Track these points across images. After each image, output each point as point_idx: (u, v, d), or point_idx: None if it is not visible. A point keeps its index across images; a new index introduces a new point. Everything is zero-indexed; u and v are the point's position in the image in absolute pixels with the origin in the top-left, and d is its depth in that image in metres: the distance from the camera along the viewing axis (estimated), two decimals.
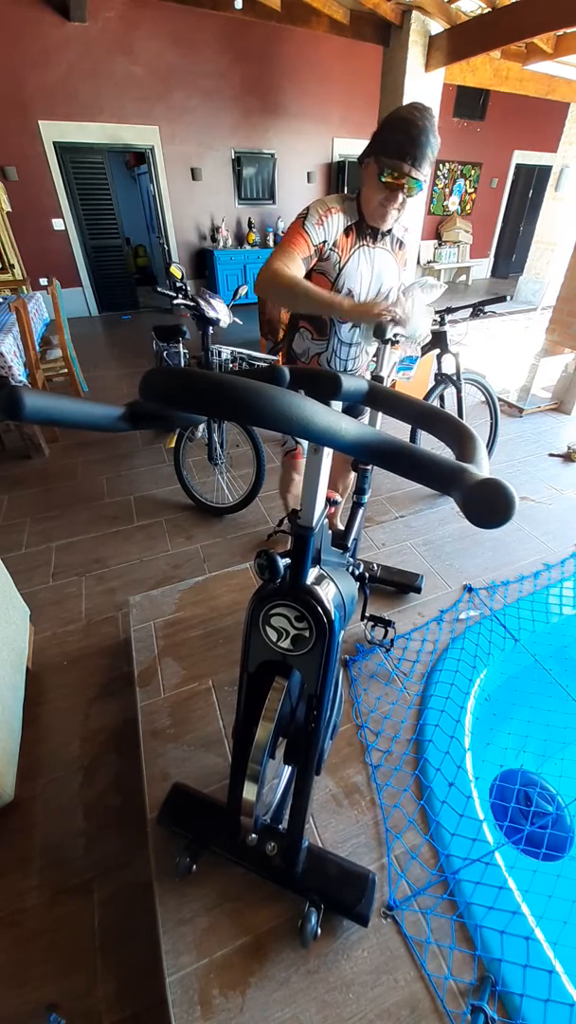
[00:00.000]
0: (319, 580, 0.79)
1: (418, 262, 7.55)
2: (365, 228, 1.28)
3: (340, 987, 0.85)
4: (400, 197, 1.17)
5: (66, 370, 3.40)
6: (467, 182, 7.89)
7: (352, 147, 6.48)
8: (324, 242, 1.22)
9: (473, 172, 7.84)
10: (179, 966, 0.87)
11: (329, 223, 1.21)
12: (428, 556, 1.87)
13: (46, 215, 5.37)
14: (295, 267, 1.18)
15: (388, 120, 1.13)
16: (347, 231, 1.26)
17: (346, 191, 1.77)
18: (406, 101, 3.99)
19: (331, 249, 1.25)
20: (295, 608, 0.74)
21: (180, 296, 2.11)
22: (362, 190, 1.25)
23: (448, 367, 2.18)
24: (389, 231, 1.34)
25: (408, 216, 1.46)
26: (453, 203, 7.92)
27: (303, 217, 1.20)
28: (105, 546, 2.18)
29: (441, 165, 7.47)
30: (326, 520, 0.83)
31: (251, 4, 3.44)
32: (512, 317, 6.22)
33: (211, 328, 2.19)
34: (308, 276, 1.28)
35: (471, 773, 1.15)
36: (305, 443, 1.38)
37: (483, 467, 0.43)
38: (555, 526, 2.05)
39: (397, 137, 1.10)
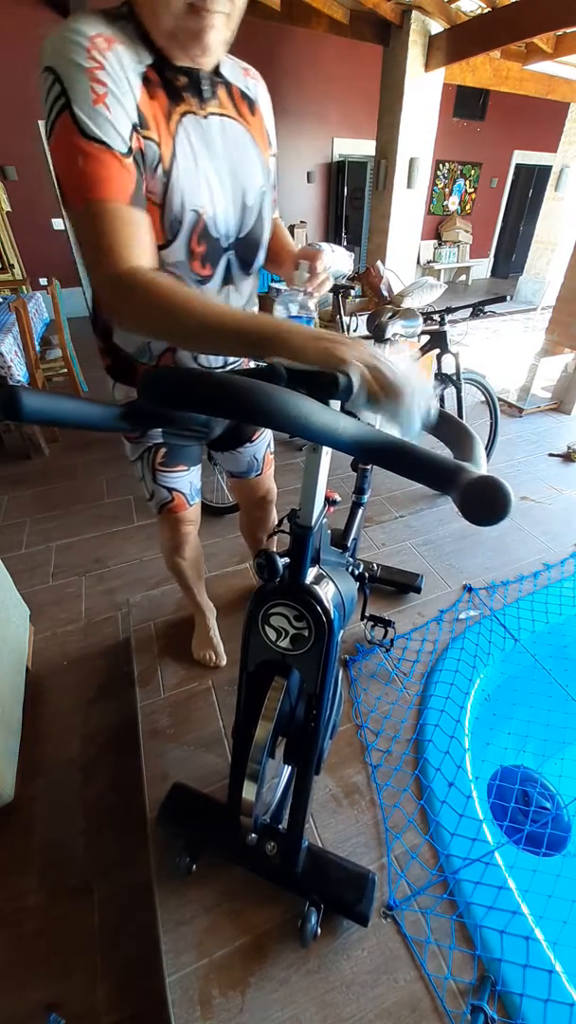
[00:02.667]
0: (318, 580, 0.79)
1: (418, 262, 7.55)
2: (173, 75, 0.64)
3: (340, 987, 0.85)
4: None
5: (66, 370, 3.40)
6: (467, 182, 7.89)
7: (352, 147, 6.47)
8: (135, 126, 0.59)
9: (473, 172, 7.84)
10: (179, 966, 0.87)
11: (112, 68, 0.56)
12: (428, 556, 1.87)
13: (46, 215, 5.37)
14: (142, 265, 0.60)
15: None
16: (147, 84, 0.61)
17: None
18: (406, 101, 4.02)
19: (142, 137, 0.61)
20: (294, 607, 0.74)
21: None
22: None
23: (448, 367, 2.18)
24: (218, 72, 0.71)
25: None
26: (453, 203, 7.92)
27: (64, 105, 0.54)
28: (105, 546, 2.18)
29: (441, 165, 7.47)
30: (325, 520, 0.83)
31: (251, 4, 3.44)
32: (512, 317, 6.22)
33: None
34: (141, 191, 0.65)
35: (471, 773, 1.15)
36: (187, 488, 1.10)
37: (481, 466, 0.43)
38: (555, 526, 2.05)
39: None
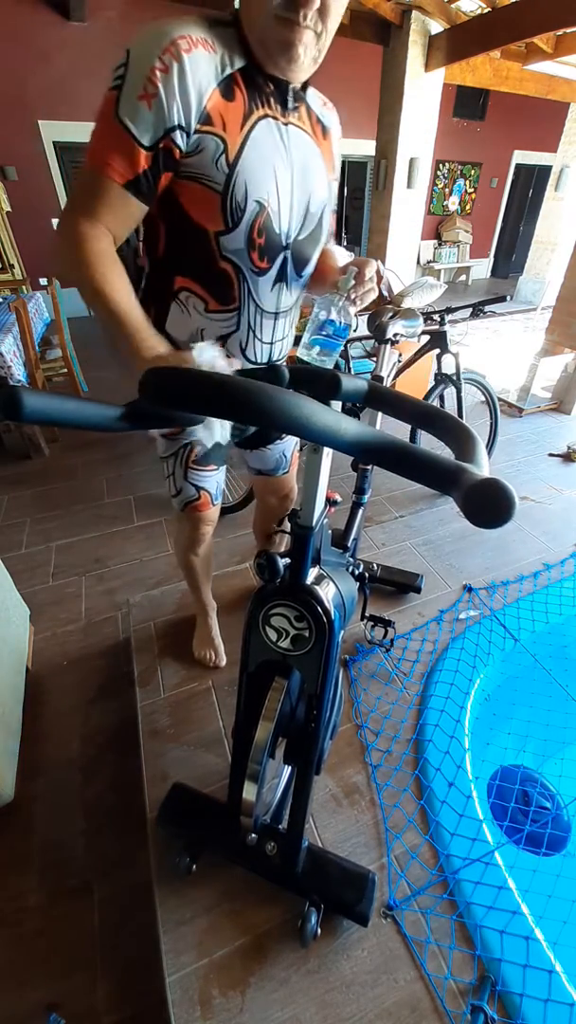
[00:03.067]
0: (319, 580, 0.79)
1: (418, 262, 7.55)
2: (263, 81, 0.69)
3: (340, 987, 0.85)
4: None
5: (66, 370, 3.40)
6: (467, 182, 7.89)
7: (352, 147, 6.47)
8: (176, 128, 0.63)
9: (473, 172, 7.84)
10: (179, 966, 0.87)
11: (184, 79, 0.60)
12: (428, 556, 1.87)
13: (46, 215, 5.36)
14: (102, 228, 0.66)
15: None
16: (227, 86, 0.65)
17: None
18: (406, 101, 4.01)
19: (198, 132, 0.65)
20: (295, 608, 0.74)
21: None
22: (243, 3, 0.66)
23: (448, 367, 2.18)
24: (305, 89, 0.76)
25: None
26: (453, 203, 7.92)
27: (118, 87, 0.60)
28: (105, 546, 2.18)
29: (441, 165, 7.47)
30: (326, 520, 0.83)
31: None
32: (512, 317, 6.22)
33: None
34: (171, 199, 0.71)
35: (471, 773, 1.15)
36: (214, 487, 1.11)
37: (483, 467, 0.43)
38: (555, 526, 2.05)
39: None
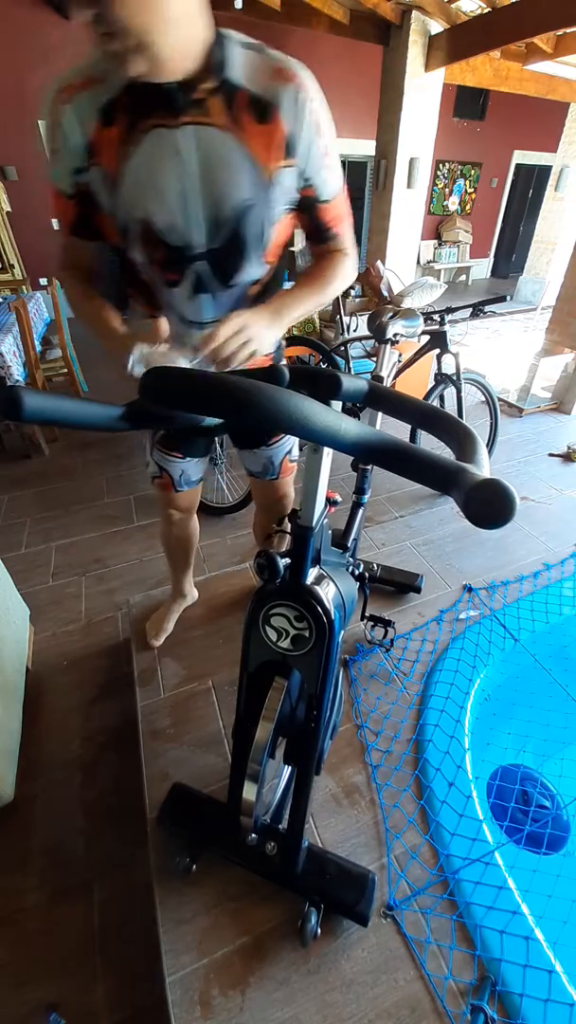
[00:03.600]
0: (319, 580, 0.79)
1: (418, 262, 7.55)
2: (148, 90, 0.65)
3: (340, 987, 0.85)
4: None
5: (66, 370, 3.40)
6: (467, 182, 7.89)
7: (352, 147, 6.47)
8: (77, 170, 0.70)
9: (473, 172, 7.84)
10: (179, 966, 0.87)
11: (67, 126, 0.67)
12: (428, 556, 1.87)
13: (46, 215, 5.35)
14: (73, 272, 0.83)
15: None
16: (108, 113, 0.67)
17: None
18: (406, 101, 4.01)
19: (89, 167, 0.70)
20: (295, 608, 0.74)
21: None
22: None
23: (448, 367, 2.18)
24: (221, 78, 0.67)
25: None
26: (453, 203, 7.92)
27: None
28: (105, 546, 2.18)
29: (441, 165, 7.47)
30: (326, 520, 0.83)
31: (251, 4, 3.44)
32: (512, 317, 6.22)
33: None
34: (86, 222, 0.77)
35: (471, 773, 1.15)
36: (176, 474, 1.15)
37: (483, 467, 0.43)
38: (555, 526, 2.05)
39: None
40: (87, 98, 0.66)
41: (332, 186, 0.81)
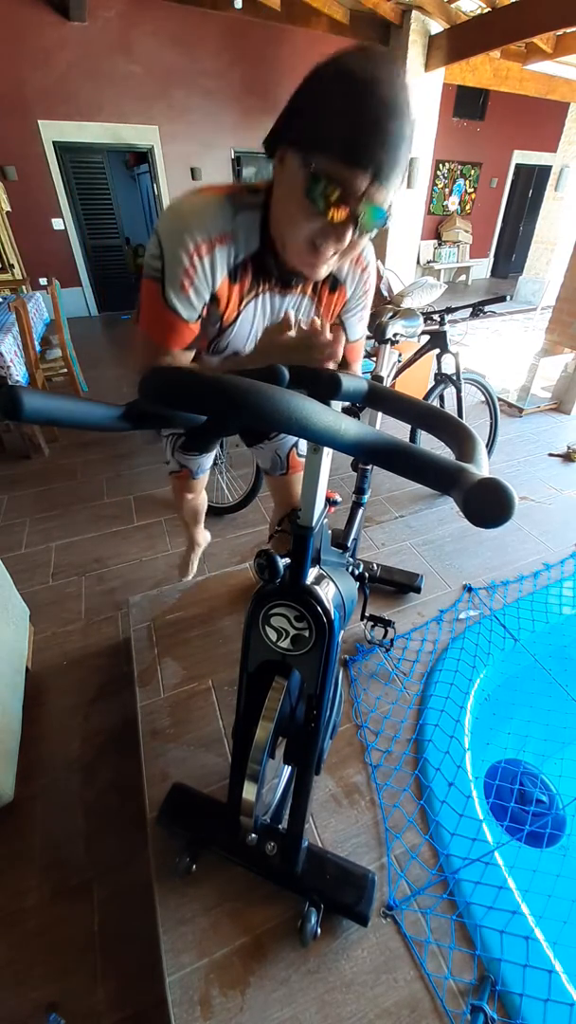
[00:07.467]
0: (319, 580, 0.79)
1: (418, 262, 7.55)
2: (272, 266, 0.75)
3: (340, 987, 0.85)
4: (347, 236, 0.62)
5: (66, 370, 3.40)
6: (467, 182, 7.90)
7: None
8: (204, 305, 0.76)
9: (473, 172, 7.85)
10: (179, 966, 0.87)
11: (203, 272, 0.71)
12: (428, 556, 1.87)
13: (46, 215, 5.37)
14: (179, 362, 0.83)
15: (325, 75, 0.54)
16: (236, 273, 0.75)
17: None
18: None
19: (209, 305, 0.78)
20: (295, 608, 0.74)
21: None
22: (275, 203, 0.68)
23: (448, 367, 2.18)
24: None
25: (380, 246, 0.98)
26: (453, 203, 7.93)
27: (159, 279, 0.70)
28: (105, 546, 2.18)
29: (441, 165, 7.47)
30: (326, 520, 0.83)
31: (251, 4, 3.44)
32: (512, 317, 6.22)
33: None
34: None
35: (471, 773, 1.15)
36: (195, 467, 1.32)
37: (483, 467, 0.43)
38: (555, 526, 2.05)
39: (345, 116, 0.52)
40: (222, 255, 0.72)
41: (358, 331, 0.98)
